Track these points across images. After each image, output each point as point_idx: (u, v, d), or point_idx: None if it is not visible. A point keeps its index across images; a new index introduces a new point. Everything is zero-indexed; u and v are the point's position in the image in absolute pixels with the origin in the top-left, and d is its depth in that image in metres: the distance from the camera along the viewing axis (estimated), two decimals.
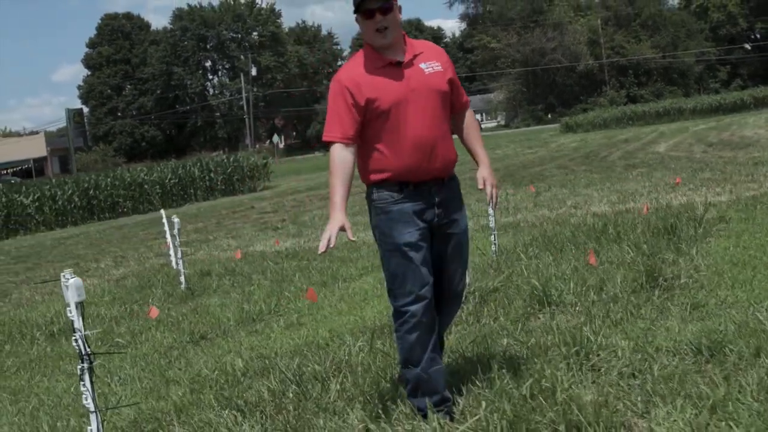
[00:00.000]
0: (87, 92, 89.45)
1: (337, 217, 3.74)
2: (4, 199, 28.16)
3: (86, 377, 3.62)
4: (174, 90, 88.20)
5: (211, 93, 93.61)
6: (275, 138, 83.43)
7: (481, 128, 4.01)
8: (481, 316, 5.90)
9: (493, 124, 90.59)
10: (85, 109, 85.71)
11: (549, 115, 75.95)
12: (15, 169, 71.25)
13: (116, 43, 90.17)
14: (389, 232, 3.88)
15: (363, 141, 3.94)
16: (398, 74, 3.88)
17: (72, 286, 3.62)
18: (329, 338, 6.08)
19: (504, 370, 4.23)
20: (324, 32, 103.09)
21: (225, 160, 37.52)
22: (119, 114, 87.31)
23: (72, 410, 5.15)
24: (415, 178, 3.88)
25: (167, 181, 33.79)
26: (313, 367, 5.02)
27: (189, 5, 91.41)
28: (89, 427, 3.64)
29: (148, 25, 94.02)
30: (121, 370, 6.13)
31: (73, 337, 3.62)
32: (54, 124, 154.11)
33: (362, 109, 3.85)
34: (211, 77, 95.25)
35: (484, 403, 3.75)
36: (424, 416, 3.83)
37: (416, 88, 3.87)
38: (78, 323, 3.63)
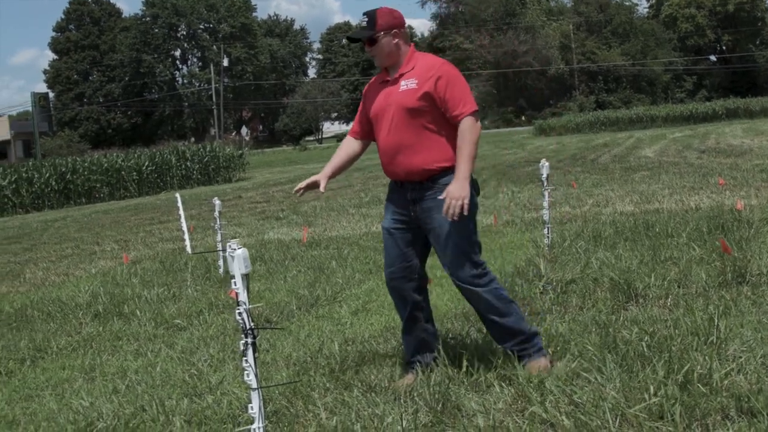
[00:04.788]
0: (53, 77, 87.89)
1: (320, 173, 4.63)
2: None
3: (249, 353, 3.51)
4: (142, 78, 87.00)
5: (180, 82, 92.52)
6: (244, 130, 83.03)
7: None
8: (569, 306, 5.87)
9: None
10: (51, 94, 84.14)
11: (523, 117, 76.30)
12: None
13: (84, 28, 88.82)
14: (384, 213, 4.66)
15: None
16: (384, 90, 4.49)
17: (239, 257, 3.53)
18: None
19: (649, 358, 4.20)
20: (296, 27, 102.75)
21: (201, 150, 37.22)
22: (86, 100, 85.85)
23: (171, 389, 5.02)
24: (390, 177, 4.56)
25: (144, 167, 33.40)
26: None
27: None
28: (250, 405, 3.53)
29: (118, 11, 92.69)
30: (198, 350, 5.99)
31: (237, 311, 3.52)
32: (15, 108, 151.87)
33: (366, 114, 4.62)
34: (180, 66, 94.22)
35: (652, 388, 3.71)
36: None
37: (390, 103, 4.42)
38: (243, 296, 3.53)
